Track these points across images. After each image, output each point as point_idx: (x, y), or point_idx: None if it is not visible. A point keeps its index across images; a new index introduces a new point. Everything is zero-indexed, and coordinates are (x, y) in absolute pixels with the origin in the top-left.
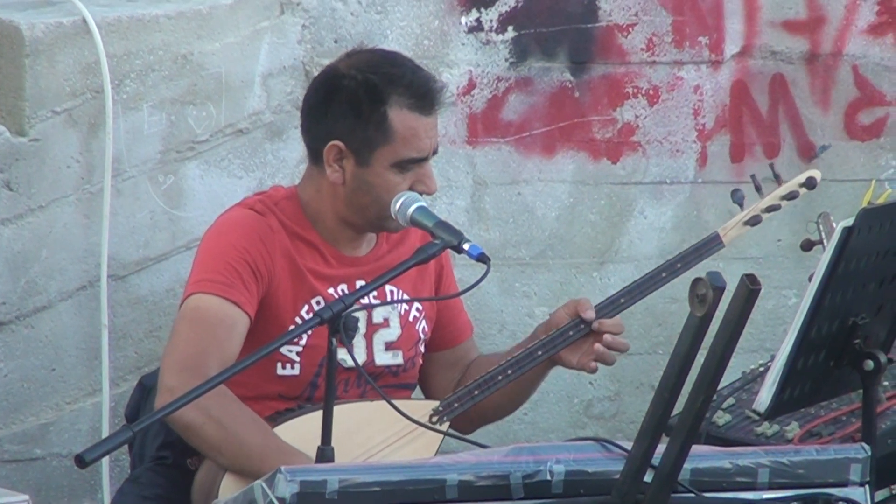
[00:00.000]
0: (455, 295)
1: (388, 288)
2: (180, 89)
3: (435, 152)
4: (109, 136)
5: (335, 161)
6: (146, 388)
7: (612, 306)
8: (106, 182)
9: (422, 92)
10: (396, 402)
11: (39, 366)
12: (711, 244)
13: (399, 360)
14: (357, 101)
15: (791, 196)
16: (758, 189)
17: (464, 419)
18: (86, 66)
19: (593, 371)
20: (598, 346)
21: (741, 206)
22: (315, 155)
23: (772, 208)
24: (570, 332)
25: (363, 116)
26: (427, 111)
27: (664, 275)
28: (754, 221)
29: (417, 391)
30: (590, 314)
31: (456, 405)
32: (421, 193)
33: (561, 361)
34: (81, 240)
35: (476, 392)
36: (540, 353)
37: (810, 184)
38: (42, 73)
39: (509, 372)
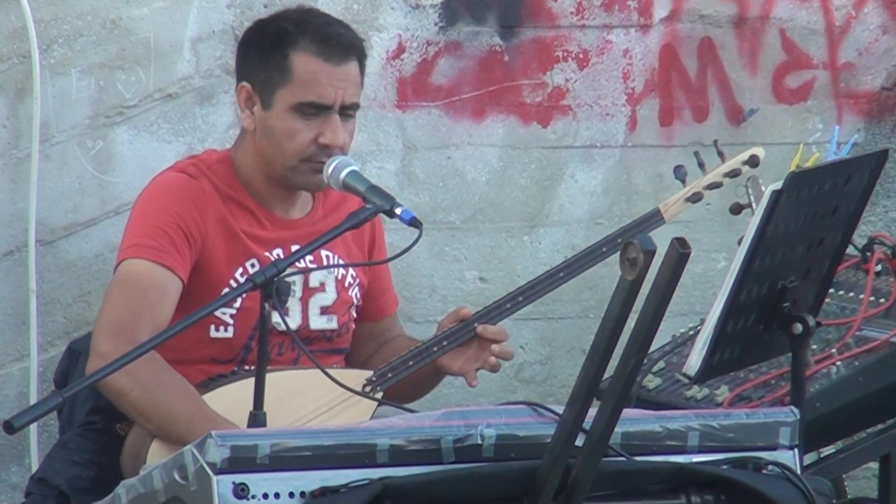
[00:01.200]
0: (387, 260)
1: (323, 253)
2: (109, 54)
3: (347, 107)
4: (37, 101)
5: (246, 105)
6: (75, 354)
7: (550, 279)
8: (34, 147)
9: (328, 39)
10: (331, 371)
11: None
12: (652, 220)
13: (333, 324)
14: (264, 43)
15: (734, 174)
16: (701, 166)
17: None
18: (12, 31)
19: (474, 383)
20: (482, 352)
21: (683, 182)
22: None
23: (714, 185)
24: (460, 334)
25: (266, 57)
26: (332, 59)
27: (604, 249)
28: (696, 198)
29: None
30: (468, 313)
31: (390, 375)
32: (325, 146)
33: (443, 367)
34: (9, 205)
35: (411, 363)
36: (475, 325)
37: (753, 162)
38: None
39: (444, 343)
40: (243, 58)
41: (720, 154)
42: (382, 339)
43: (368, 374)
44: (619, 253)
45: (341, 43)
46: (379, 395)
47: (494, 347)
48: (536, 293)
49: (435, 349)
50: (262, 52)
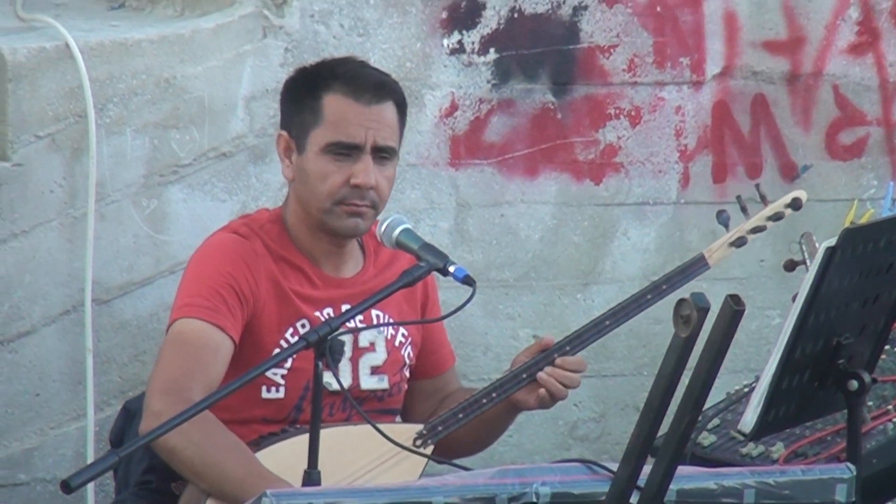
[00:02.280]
0: (441, 318)
1: (373, 312)
2: (163, 113)
3: (384, 151)
4: (93, 161)
5: (286, 154)
6: (130, 413)
7: (596, 328)
8: (89, 206)
9: (359, 80)
10: (381, 425)
11: (23, 391)
12: (697, 266)
13: (385, 384)
14: (299, 89)
15: (777, 217)
16: (743, 210)
17: (445, 443)
18: (69, 91)
19: (549, 404)
20: (541, 374)
21: (727, 227)
22: None
23: (757, 229)
24: (542, 363)
25: (301, 101)
26: (362, 98)
27: (649, 296)
28: (740, 243)
29: None
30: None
31: (440, 428)
32: (357, 187)
33: (520, 404)
34: (65, 264)
35: (461, 415)
36: (525, 375)
37: (796, 205)
38: (25, 98)
39: (494, 395)
40: (282, 107)
41: (763, 198)
42: (442, 395)
43: (419, 427)
44: (672, 310)
45: (372, 82)
46: (430, 450)
47: (558, 361)
48: (583, 342)
49: (484, 401)
50: (298, 97)
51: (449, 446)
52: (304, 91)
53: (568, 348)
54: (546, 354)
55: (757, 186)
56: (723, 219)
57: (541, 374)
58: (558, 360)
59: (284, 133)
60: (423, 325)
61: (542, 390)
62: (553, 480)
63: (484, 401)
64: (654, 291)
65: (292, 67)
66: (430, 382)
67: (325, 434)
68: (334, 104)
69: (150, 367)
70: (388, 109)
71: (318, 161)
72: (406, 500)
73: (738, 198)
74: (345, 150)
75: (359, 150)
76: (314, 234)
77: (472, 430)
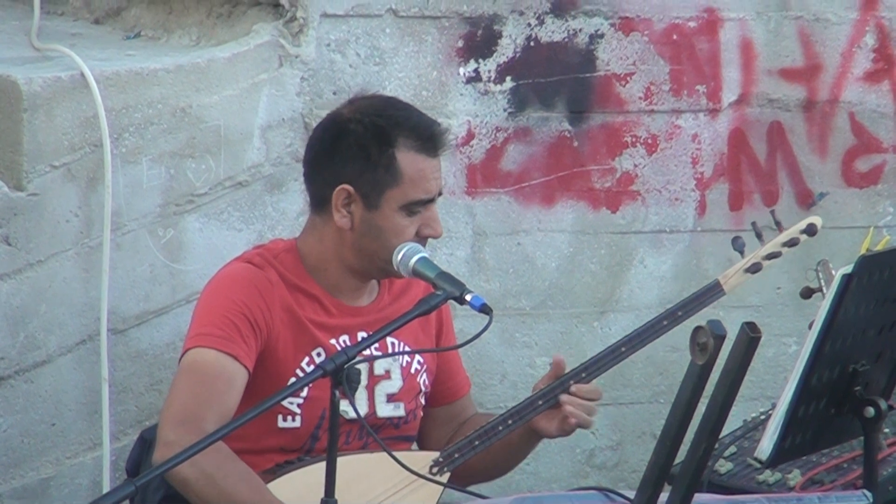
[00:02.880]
0: (458, 346)
1: (389, 340)
2: (179, 142)
3: (440, 194)
4: (108, 190)
5: (343, 206)
6: (147, 442)
7: (612, 355)
8: (105, 236)
9: (427, 134)
10: (398, 453)
11: (39, 420)
12: (712, 292)
13: (401, 412)
14: (365, 145)
15: (792, 243)
16: (758, 236)
17: (464, 470)
18: (84, 120)
19: (570, 431)
20: (567, 407)
21: (742, 253)
22: (320, 202)
23: (773, 255)
24: (558, 389)
25: (372, 159)
26: (432, 153)
27: (665, 323)
28: (755, 269)
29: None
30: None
31: (457, 455)
32: (427, 238)
33: (540, 430)
34: (81, 294)
35: (477, 442)
36: (541, 402)
37: (811, 230)
38: (40, 128)
39: (510, 422)
40: (336, 162)
41: (777, 224)
42: (458, 422)
43: (435, 455)
44: (689, 338)
45: (438, 134)
46: (446, 477)
47: (573, 388)
48: (599, 369)
49: (500, 428)
50: (363, 154)
51: (467, 473)
52: (374, 147)
53: (584, 375)
54: (562, 381)
55: (772, 212)
56: (738, 245)
57: (564, 401)
58: (573, 388)
59: (349, 188)
60: (438, 353)
61: (567, 414)
62: None
63: (500, 427)
64: (670, 318)
65: (308, 97)
66: (446, 409)
67: (342, 462)
68: (410, 163)
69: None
70: (443, 150)
71: (395, 218)
72: None
73: (754, 224)
74: (421, 206)
75: (431, 201)
76: (345, 272)
77: (491, 456)
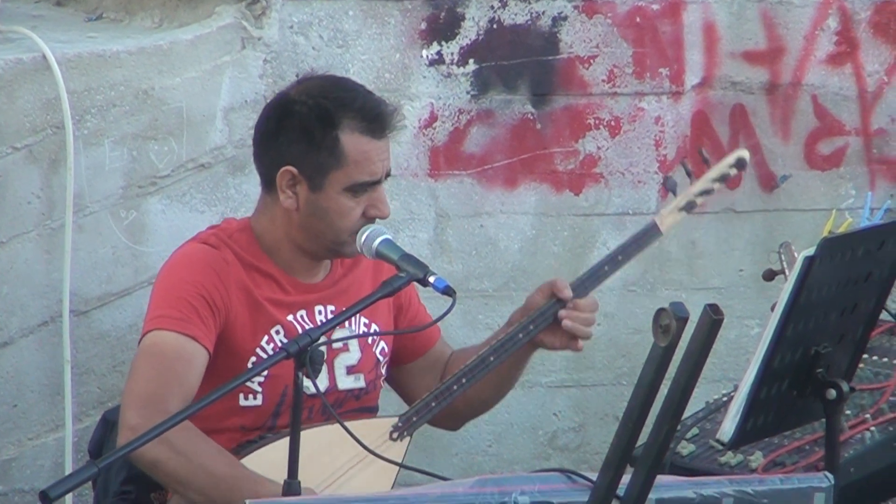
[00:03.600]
0: (420, 328)
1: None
2: (142, 124)
3: (388, 175)
4: (70, 172)
5: (288, 187)
6: (109, 423)
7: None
8: (67, 218)
9: (373, 115)
10: (358, 423)
11: (1, 401)
12: (650, 233)
13: (361, 383)
14: (309, 127)
15: (723, 178)
16: (689, 174)
17: (451, 415)
18: (46, 102)
19: (579, 350)
20: (566, 322)
21: (674, 192)
22: (268, 182)
23: (705, 192)
24: (549, 313)
25: (315, 141)
26: (378, 134)
27: (606, 268)
28: (689, 207)
29: (397, 403)
30: (566, 293)
31: (415, 419)
32: (374, 218)
33: (543, 344)
34: (43, 276)
35: (433, 403)
36: (521, 335)
37: (740, 164)
38: (1, 109)
39: (491, 359)
40: (280, 143)
41: (706, 161)
42: (440, 365)
43: (394, 420)
44: (651, 320)
45: (385, 117)
46: (406, 441)
47: (573, 313)
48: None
49: (455, 387)
50: (307, 136)
51: (471, 403)
52: (318, 129)
53: (560, 306)
54: (540, 311)
55: (700, 151)
56: (670, 184)
57: (564, 316)
58: (571, 304)
59: (292, 169)
60: (403, 313)
61: (569, 329)
62: (532, 490)
63: (455, 387)
64: (611, 262)
65: (271, 79)
66: (423, 359)
67: (306, 435)
68: (354, 145)
69: None
70: (391, 132)
71: (339, 200)
72: None
73: (683, 162)
74: (366, 188)
75: (377, 183)
76: (298, 251)
77: (477, 392)
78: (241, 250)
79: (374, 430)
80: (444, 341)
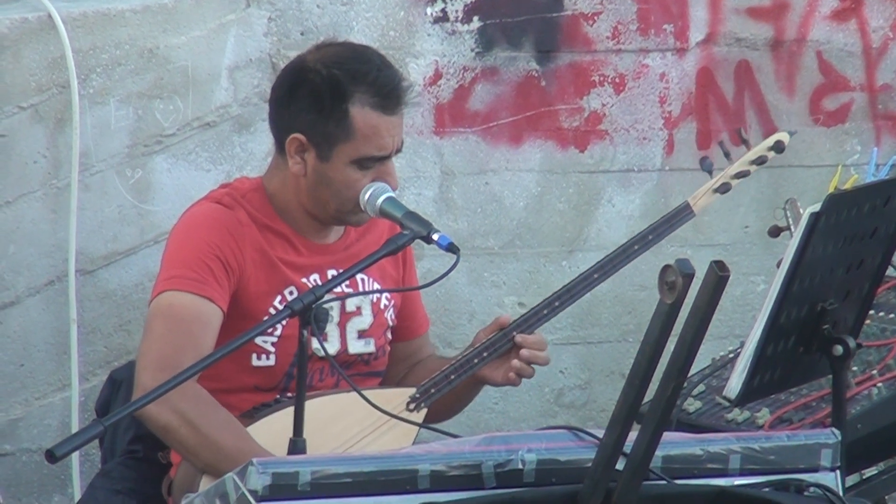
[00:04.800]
0: (425, 285)
1: (358, 277)
2: (147, 83)
3: (398, 150)
4: (76, 131)
5: (297, 153)
6: (116, 383)
7: (586, 282)
8: (73, 177)
9: (386, 91)
10: (372, 392)
11: (8, 361)
12: (682, 213)
13: (371, 347)
14: (320, 97)
15: (760, 161)
16: (727, 155)
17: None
18: (51, 61)
19: (516, 384)
20: (515, 361)
21: (710, 173)
22: (280, 146)
23: (741, 174)
24: (499, 344)
25: (325, 112)
26: (390, 110)
27: (636, 247)
28: (724, 189)
29: None
30: (507, 320)
31: (433, 391)
32: None
33: (485, 379)
34: (49, 235)
35: (452, 376)
36: (485, 354)
37: (778, 147)
38: (7, 69)
39: (485, 354)
40: (292, 109)
41: (745, 142)
42: (414, 360)
43: (411, 391)
44: (657, 276)
45: (398, 92)
46: (423, 413)
47: (524, 352)
48: (572, 297)
49: (476, 360)
50: (317, 105)
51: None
52: (326, 100)
53: (557, 304)
54: (535, 310)
55: (739, 132)
56: (706, 166)
57: (514, 361)
58: (518, 339)
59: (301, 136)
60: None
61: (515, 368)
62: (539, 447)
63: (475, 360)
64: (641, 242)
65: (276, 37)
66: (404, 346)
67: (317, 403)
68: (363, 119)
69: (136, 336)
70: (404, 107)
71: (346, 171)
72: (392, 467)
73: (721, 143)
74: (373, 162)
75: (385, 158)
76: (307, 214)
77: (443, 401)
78: (255, 210)
79: (389, 399)
80: (427, 338)
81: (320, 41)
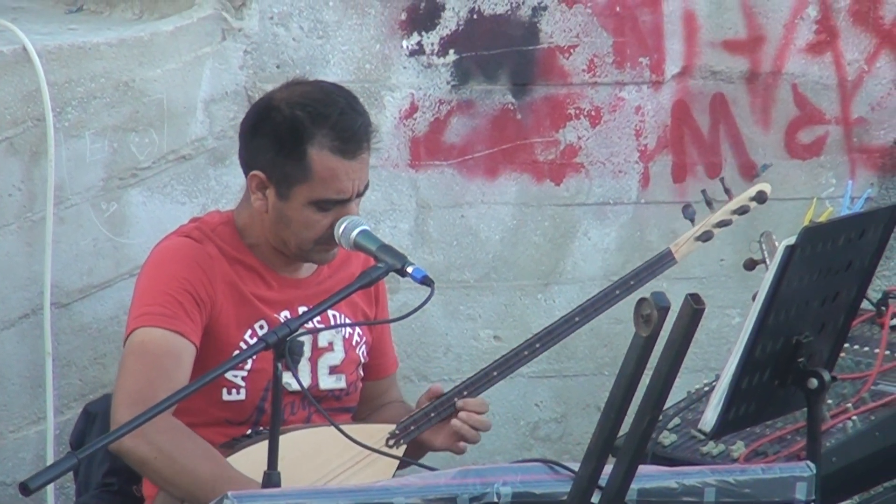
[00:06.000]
0: (400, 318)
1: (330, 312)
2: (122, 116)
3: (361, 193)
4: (51, 164)
5: (258, 189)
6: (91, 416)
7: (566, 325)
8: (48, 210)
9: (346, 135)
10: (351, 427)
11: None
12: (664, 260)
13: (342, 383)
14: (281, 136)
15: (742, 210)
16: (709, 204)
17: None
18: (27, 94)
19: (461, 452)
20: (455, 421)
21: (692, 221)
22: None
23: (723, 223)
24: (446, 405)
25: (284, 151)
26: (350, 155)
27: (617, 292)
28: (706, 237)
29: None
30: (438, 389)
31: (412, 428)
32: None
33: (425, 443)
34: (24, 268)
35: (433, 414)
36: (465, 393)
37: (761, 198)
38: None
39: (456, 399)
40: (254, 146)
41: (727, 192)
42: (380, 401)
43: (391, 428)
44: (633, 310)
45: (359, 137)
46: (402, 449)
47: (462, 415)
48: (553, 339)
49: (456, 399)
50: (277, 144)
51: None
52: (286, 140)
53: (538, 345)
54: (518, 350)
55: (722, 180)
56: (689, 213)
57: (454, 422)
58: (459, 403)
59: (261, 174)
60: (374, 327)
61: (456, 430)
62: (514, 480)
63: (456, 399)
64: (622, 287)
65: (251, 70)
66: (373, 385)
67: (297, 436)
68: (321, 161)
69: (111, 369)
70: (367, 152)
71: (304, 212)
72: (367, 500)
73: (704, 192)
74: (332, 204)
75: (345, 201)
76: (275, 251)
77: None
78: (224, 244)
79: (369, 435)
80: (396, 381)
81: (292, 78)
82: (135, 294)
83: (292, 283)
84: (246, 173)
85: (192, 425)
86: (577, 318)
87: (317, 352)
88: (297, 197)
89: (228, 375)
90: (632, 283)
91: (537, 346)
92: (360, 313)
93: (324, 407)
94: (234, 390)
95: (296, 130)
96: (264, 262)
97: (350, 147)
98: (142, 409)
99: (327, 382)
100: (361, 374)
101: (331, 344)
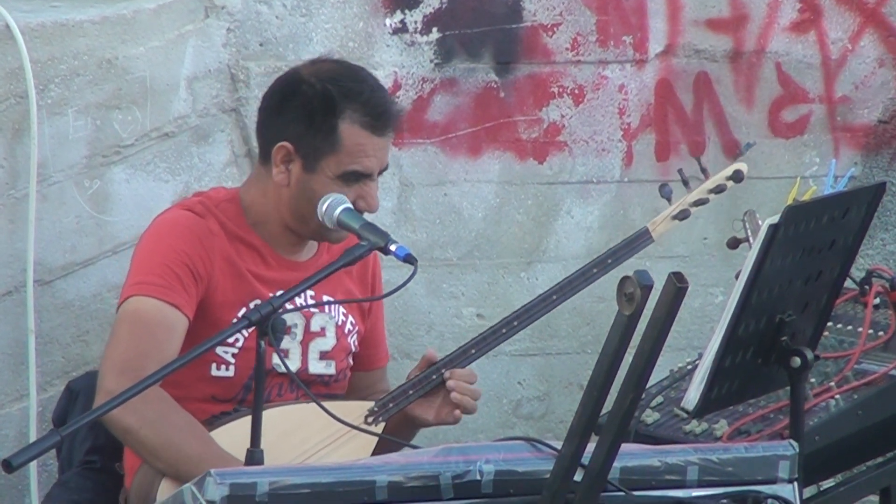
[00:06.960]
0: (383, 296)
1: (324, 297)
2: (105, 94)
3: (381, 172)
4: (34, 142)
5: (283, 162)
6: (73, 393)
7: (543, 303)
8: (31, 187)
9: (377, 112)
10: (330, 404)
11: None
12: (641, 239)
13: (332, 370)
14: (311, 109)
15: (718, 189)
16: (685, 183)
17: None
18: (9, 72)
19: (456, 420)
20: (454, 394)
21: (669, 200)
22: (265, 154)
23: (700, 202)
24: (433, 377)
25: (315, 124)
26: (379, 131)
27: (595, 271)
28: (683, 216)
29: None
30: (435, 356)
31: (391, 405)
32: (361, 211)
33: (417, 419)
34: (7, 245)
35: (411, 391)
36: (444, 370)
37: (737, 177)
38: None
39: (434, 377)
40: (282, 119)
41: (704, 171)
42: (367, 392)
43: (370, 404)
44: (616, 288)
45: (389, 115)
46: (381, 426)
47: (450, 383)
48: (531, 317)
49: (434, 377)
50: (308, 117)
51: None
52: (319, 113)
53: (516, 323)
54: (495, 329)
55: (698, 160)
56: (665, 192)
57: (451, 387)
58: (447, 374)
59: (288, 145)
60: (367, 317)
61: (455, 401)
62: (497, 458)
63: (434, 377)
64: (600, 265)
65: (234, 48)
66: (363, 376)
67: (278, 413)
68: (352, 135)
69: (94, 347)
70: (392, 133)
71: (330, 184)
72: (349, 478)
73: (680, 171)
74: (357, 178)
75: (369, 177)
76: (283, 228)
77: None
78: (227, 220)
79: (348, 412)
80: (385, 374)
81: (318, 57)
82: (132, 262)
83: (291, 265)
84: (268, 147)
85: (179, 399)
86: (554, 297)
87: (308, 335)
88: (325, 170)
89: (218, 351)
90: (609, 261)
91: (515, 323)
92: (355, 307)
93: (312, 392)
94: (223, 366)
95: (327, 103)
96: (267, 241)
97: (380, 124)
98: (130, 377)
99: (317, 367)
100: (351, 363)
101: (323, 329)
